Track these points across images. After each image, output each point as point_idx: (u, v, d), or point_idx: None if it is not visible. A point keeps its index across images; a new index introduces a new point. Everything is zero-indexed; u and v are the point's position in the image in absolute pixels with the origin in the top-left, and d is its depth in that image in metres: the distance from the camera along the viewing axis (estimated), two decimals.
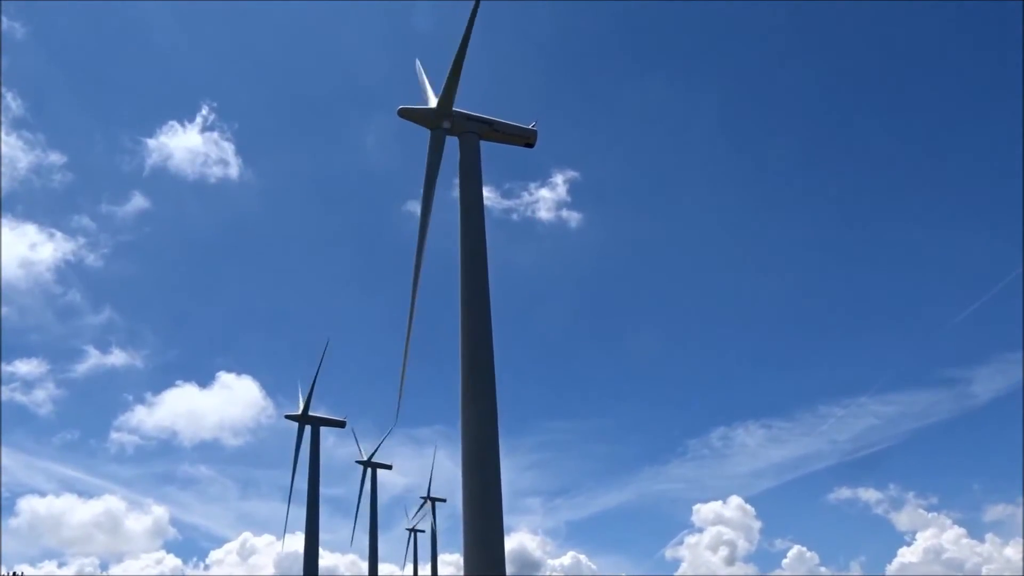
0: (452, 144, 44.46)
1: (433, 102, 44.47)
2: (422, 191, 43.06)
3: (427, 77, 47.21)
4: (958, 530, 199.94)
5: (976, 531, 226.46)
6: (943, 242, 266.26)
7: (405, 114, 44.28)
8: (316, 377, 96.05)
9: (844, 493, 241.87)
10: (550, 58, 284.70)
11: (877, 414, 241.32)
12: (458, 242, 41.92)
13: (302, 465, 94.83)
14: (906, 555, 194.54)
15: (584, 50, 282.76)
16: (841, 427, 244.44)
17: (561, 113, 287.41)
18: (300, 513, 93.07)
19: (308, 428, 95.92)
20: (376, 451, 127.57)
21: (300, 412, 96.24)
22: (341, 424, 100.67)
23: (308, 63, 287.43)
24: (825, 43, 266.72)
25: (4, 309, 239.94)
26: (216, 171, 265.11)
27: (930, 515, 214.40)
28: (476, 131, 44.48)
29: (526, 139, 46.62)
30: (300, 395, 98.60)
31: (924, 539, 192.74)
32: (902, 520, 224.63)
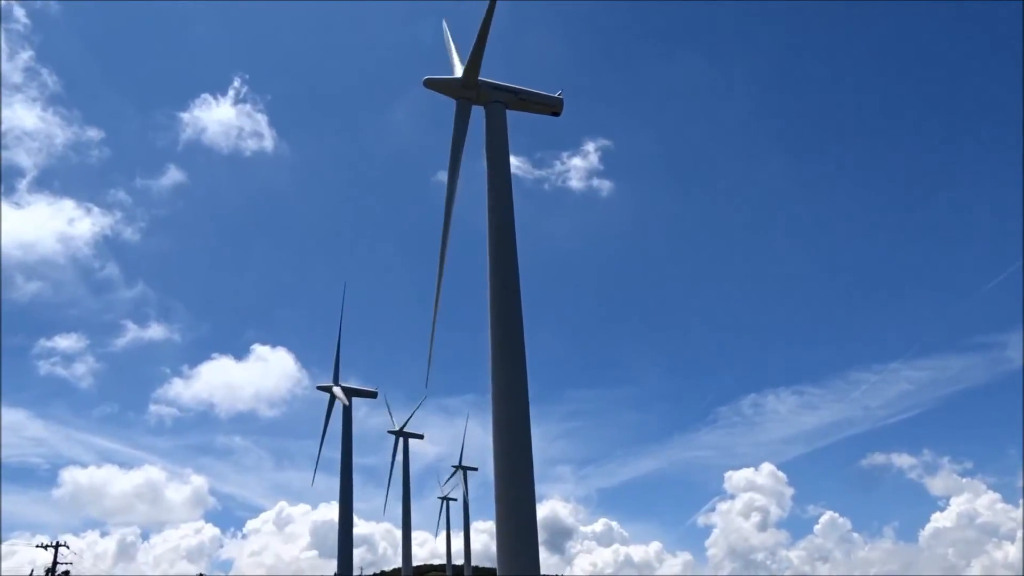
0: (479, 114, 44.38)
1: (459, 70, 44.33)
2: (449, 161, 43.02)
3: (455, 43, 46.92)
4: (992, 495, 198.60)
5: (1011, 496, 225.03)
6: (975, 209, 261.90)
7: (431, 84, 44.19)
8: (339, 341, 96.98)
9: (877, 459, 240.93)
10: (583, 27, 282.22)
11: (910, 380, 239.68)
12: (486, 212, 41.97)
13: (335, 436, 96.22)
14: (939, 520, 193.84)
15: (618, 21, 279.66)
16: (874, 393, 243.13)
17: (595, 82, 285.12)
18: (334, 483, 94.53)
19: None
20: (408, 421, 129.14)
21: (331, 383, 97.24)
22: (373, 395, 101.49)
23: (338, 35, 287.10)
24: (859, 22, 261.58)
25: (38, 284, 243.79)
26: (251, 144, 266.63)
27: (964, 480, 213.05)
28: (502, 100, 44.30)
29: (552, 108, 46.38)
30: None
31: (958, 504, 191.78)
32: (936, 485, 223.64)
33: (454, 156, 43.18)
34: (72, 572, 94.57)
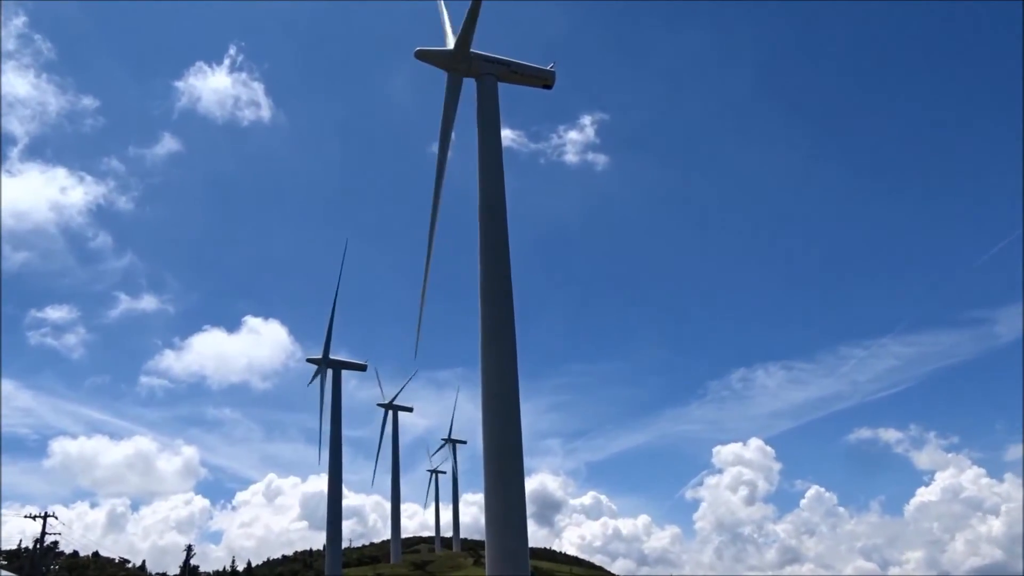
0: (471, 86, 43.96)
1: (451, 42, 43.85)
2: (439, 134, 42.69)
3: (448, 15, 46.32)
4: (977, 469, 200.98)
5: (995, 470, 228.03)
6: (965, 185, 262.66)
7: (422, 56, 43.72)
8: (332, 318, 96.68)
9: (864, 433, 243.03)
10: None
11: (899, 355, 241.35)
12: (477, 184, 41.74)
13: (324, 408, 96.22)
14: (925, 494, 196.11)
15: None
16: (863, 368, 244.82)
17: (593, 54, 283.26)
18: (323, 455, 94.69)
19: (330, 371, 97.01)
20: (398, 394, 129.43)
21: (321, 356, 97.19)
22: (362, 367, 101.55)
23: (335, 4, 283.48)
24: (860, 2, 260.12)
25: (26, 254, 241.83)
26: (248, 114, 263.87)
27: (949, 455, 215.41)
28: (494, 73, 43.93)
29: (544, 80, 45.99)
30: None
31: (943, 479, 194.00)
32: (922, 459, 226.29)
33: (444, 132, 42.77)
34: (61, 542, 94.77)
